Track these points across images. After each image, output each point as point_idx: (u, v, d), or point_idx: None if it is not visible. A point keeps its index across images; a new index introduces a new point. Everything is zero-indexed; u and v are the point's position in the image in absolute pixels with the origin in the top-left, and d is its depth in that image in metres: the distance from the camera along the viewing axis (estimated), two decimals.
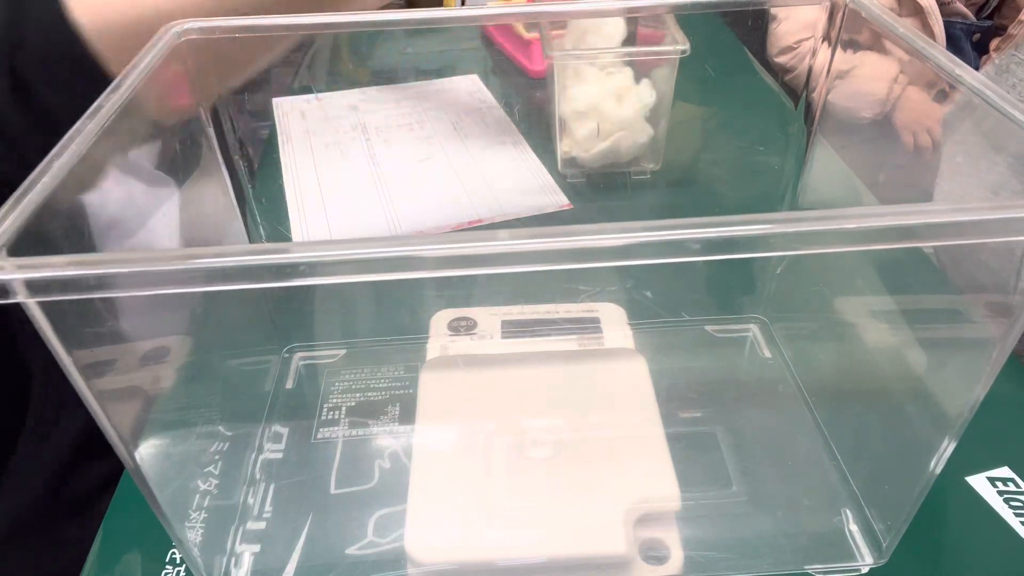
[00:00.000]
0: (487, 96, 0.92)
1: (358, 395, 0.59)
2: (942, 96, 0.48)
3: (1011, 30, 1.19)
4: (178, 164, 0.55)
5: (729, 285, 0.68)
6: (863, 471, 0.52)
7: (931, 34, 1.24)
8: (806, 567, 0.47)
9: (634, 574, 0.47)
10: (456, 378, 0.59)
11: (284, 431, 0.57)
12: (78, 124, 0.39)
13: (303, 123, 0.86)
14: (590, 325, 0.63)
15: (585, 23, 0.81)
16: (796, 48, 1.23)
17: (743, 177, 0.82)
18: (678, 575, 0.47)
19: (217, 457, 0.51)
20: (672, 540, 0.48)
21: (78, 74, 0.57)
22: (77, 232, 0.37)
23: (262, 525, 0.50)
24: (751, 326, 0.65)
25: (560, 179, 0.80)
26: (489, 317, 0.64)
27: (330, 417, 0.58)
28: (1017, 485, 0.52)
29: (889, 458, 0.50)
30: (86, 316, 0.34)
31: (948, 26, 1.29)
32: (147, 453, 0.38)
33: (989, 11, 1.38)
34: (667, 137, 0.80)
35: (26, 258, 0.29)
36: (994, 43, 1.31)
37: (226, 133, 0.62)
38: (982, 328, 0.41)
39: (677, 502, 0.49)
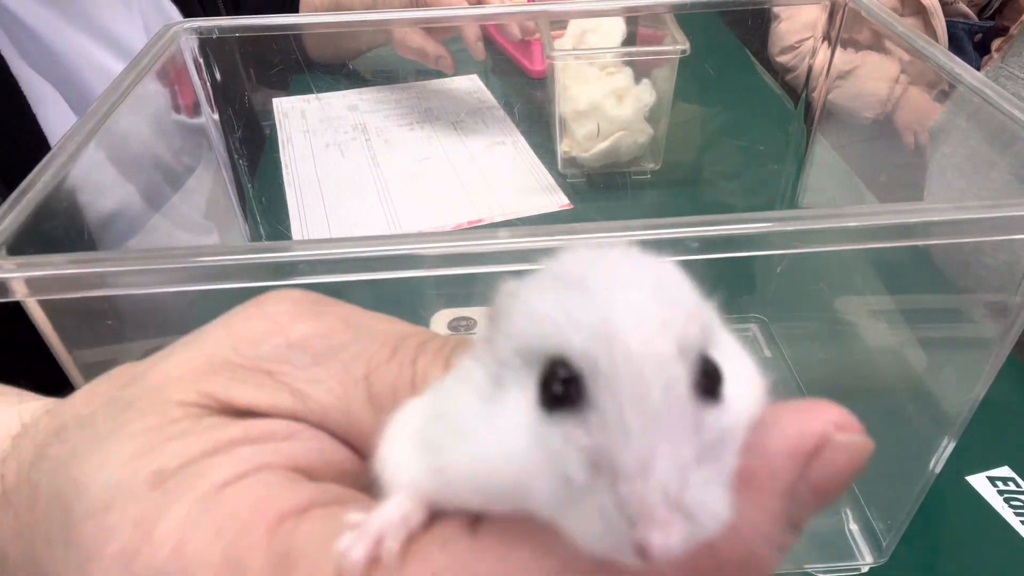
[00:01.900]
0: (487, 96, 0.92)
1: None
2: (943, 96, 0.48)
3: (1013, 31, 1.19)
4: (179, 163, 0.55)
5: (729, 285, 0.68)
6: (863, 470, 0.52)
7: (933, 34, 1.24)
8: (806, 567, 0.47)
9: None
10: None
11: None
12: (77, 123, 0.39)
13: (303, 123, 0.86)
14: None
15: (585, 23, 0.81)
16: (797, 47, 1.23)
17: (743, 177, 0.82)
18: None
19: None
20: None
21: None
22: (77, 230, 0.37)
23: None
24: (751, 326, 0.65)
25: (560, 179, 0.80)
26: None
27: None
28: (1017, 485, 0.52)
29: (889, 458, 0.50)
30: (86, 315, 0.34)
31: (950, 26, 1.29)
32: None
33: (991, 12, 1.38)
34: (667, 137, 0.80)
35: (26, 256, 0.29)
36: (996, 43, 1.31)
37: (226, 133, 0.62)
38: (982, 328, 0.41)
39: None
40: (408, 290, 0.67)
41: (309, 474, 0.18)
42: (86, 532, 0.16)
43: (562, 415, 0.13)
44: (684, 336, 0.14)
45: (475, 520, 0.15)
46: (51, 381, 0.29)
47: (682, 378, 0.13)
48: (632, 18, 0.79)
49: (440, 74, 0.90)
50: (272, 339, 0.19)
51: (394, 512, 0.15)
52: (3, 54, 0.61)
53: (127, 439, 0.17)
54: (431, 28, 0.81)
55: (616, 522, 0.13)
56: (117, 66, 0.69)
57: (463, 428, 0.15)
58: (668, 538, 0.13)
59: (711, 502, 0.13)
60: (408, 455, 0.16)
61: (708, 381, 0.14)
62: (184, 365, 0.19)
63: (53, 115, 0.64)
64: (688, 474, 0.13)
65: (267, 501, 0.16)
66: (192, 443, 0.17)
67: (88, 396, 0.19)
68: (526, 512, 0.14)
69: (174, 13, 0.78)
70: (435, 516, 0.16)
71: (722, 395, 0.14)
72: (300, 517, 0.16)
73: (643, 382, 0.13)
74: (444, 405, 0.16)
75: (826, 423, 0.15)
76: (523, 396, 0.14)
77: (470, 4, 0.80)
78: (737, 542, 0.14)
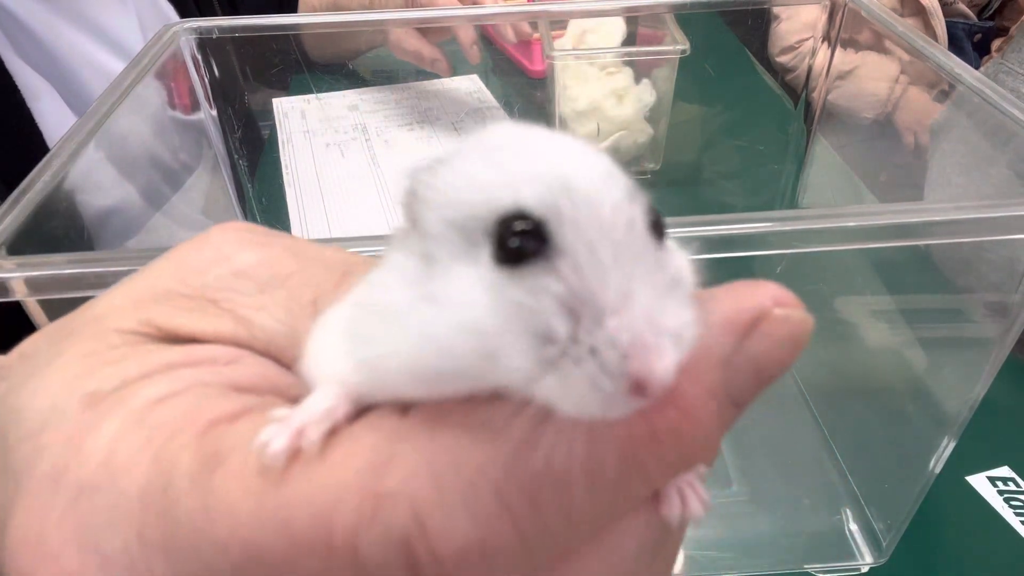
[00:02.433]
0: (487, 96, 0.92)
1: None
2: (943, 96, 0.48)
3: (1013, 31, 1.19)
4: (178, 162, 0.55)
5: None
6: (863, 470, 0.52)
7: (933, 34, 1.24)
8: (806, 566, 0.47)
9: None
10: None
11: None
12: (76, 123, 0.39)
13: (303, 123, 0.86)
14: None
15: (585, 23, 0.81)
16: (797, 48, 1.23)
17: (743, 177, 0.82)
18: (678, 575, 0.47)
19: None
20: None
21: None
22: (77, 230, 0.37)
23: None
24: None
25: None
26: None
27: None
28: (1017, 485, 0.52)
29: (889, 457, 0.50)
30: None
31: (950, 26, 1.29)
32: None
33: (991, 12, 1.38)
34: (667, 137, 0.80)
35: (25, 256, 0.29)
36: (996, 44, 1.31)
37: (225, 132, 0.62)
38: (982, 328, 0.41)
39: None
40: None
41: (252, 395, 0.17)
42: (20, 455, 0.16)
43: (526, 269, 0.13)
44: (628, 184, 0.14)
45: (405, 408, 0.15)
46: None
47: (640, 217, 0.14)
48: (632, 18, 0.79)
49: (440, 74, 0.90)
50: (216, 268, 0.18)
51: (318, 404, 0.15)
52: None
53: (64, 365, 0.17)
54: (427, 30, 0.81)
55: (606, 368, 0.12)
56: (112, 62, 0.69)
57: (397, 314, 0.14)
58: (664, 363, 0.13)
59: (686, 322, 0.13)
60: (334, 350, 0.16)
61: (656, 227, 0.14)
62: (126, 295, 0.18)
63: (48, 111, 0.64)
64: (663, 300, 0.13)
65: (200, 409, 0.16)
66: (129, 366, 0.16)
67: (34, 337, 0.19)
68: (471, 391, 0.14)
69: (170, 10, 0.78)
70: (364, 411, 0.15)
71: (667, 243, 0.15)
72: (233, 421, 0.15)
73: (607, 221, 0.13)
74: (371, 296, 0.16)
75: (763, 298, 0.15)
76: (469, 264, 0.14)
77: (463, 4, 0.80)
78: (673, 413, 0.14)
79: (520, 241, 0.13)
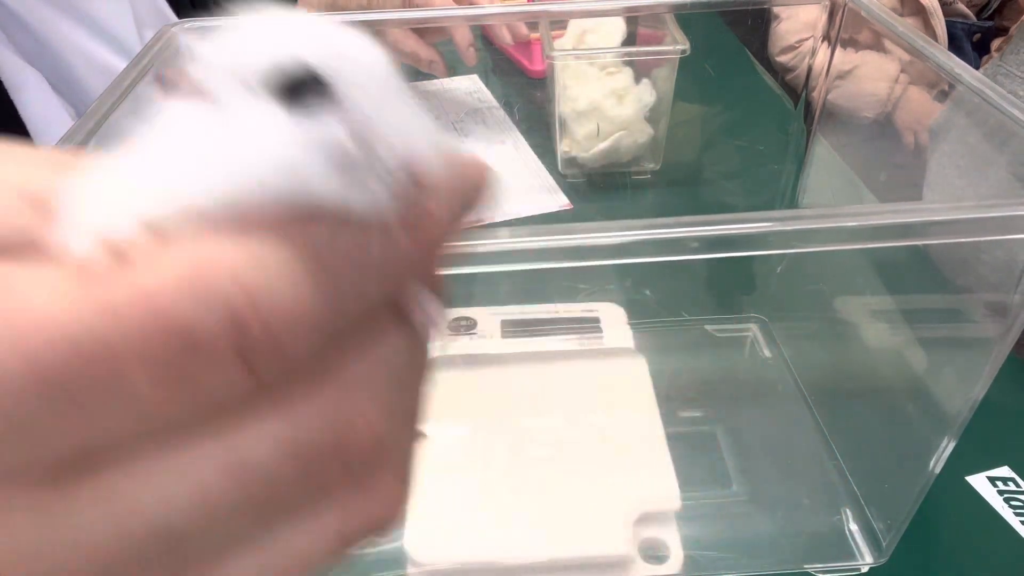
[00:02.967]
0: (487, 96, 0.92)
1: None
2: (943, 96, 0.48)
3: (1012, 31, 1.19)
4: None
5: (729, 285, 0.68)
6: (863, 471, 0.52)
7: (933, 34, 1.24)
8: (806, 566, 0.47)
9: (634, 574, 0.47)
10: (456, 378, 0.59)
11: None
12: (77, 123, 0.39)
13: None
14: (590, 325, 0.63)
15: (585, 23, 0.81)
16: (797, 47, 1.23)
17: (743, 177, 0.82)
18: (678, 575, 0.47)
19: None
20: (672, 540, 0.48)
21: None
22: None
23: None
24: (751, 326, 0.65)
25: (560, 179, 0.80)
26: (489, 317, 0.64)
27: None
28: (1017, 485, 0.52)
29: (889, 457, 0.50)
30: None
31: (949, 26, 1.29)
32: None
33: (990, 12, 1.38)
34: (667, 137, 0.80)
35: None
36: (995, 43, 1.31)
37: None
38: (982, 328, 0.41)
39: (677, 502, 0.49)
40: None
41: None
42: None
43: (314, 113, 0.15)
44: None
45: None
46: None
47: (395, 73, 0.17)
48: (632, 18, 0.79)
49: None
50: None
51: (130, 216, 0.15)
52: None
53: None
54: (423, 31, 0.80)
55: (382, 179, 0.16)
56: (106, 54, 0.69)
57: (198, 157, 0.16)
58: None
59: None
60: (133, 186, 0.16)
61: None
62: None
63: (35, 101, 0.64)
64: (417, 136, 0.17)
65: None
66: None
67: None
68: (281, 211, 0.16)
69: (166, 8, 0.78)
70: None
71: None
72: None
73: (373, 75, 0.16)
74: (161, 146, 0.16)
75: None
76: (262, 113, 0.16)
77: (460, 3, 0.80)
78: (422, 209, 0.17)
79: (306, 91, 0.16)
